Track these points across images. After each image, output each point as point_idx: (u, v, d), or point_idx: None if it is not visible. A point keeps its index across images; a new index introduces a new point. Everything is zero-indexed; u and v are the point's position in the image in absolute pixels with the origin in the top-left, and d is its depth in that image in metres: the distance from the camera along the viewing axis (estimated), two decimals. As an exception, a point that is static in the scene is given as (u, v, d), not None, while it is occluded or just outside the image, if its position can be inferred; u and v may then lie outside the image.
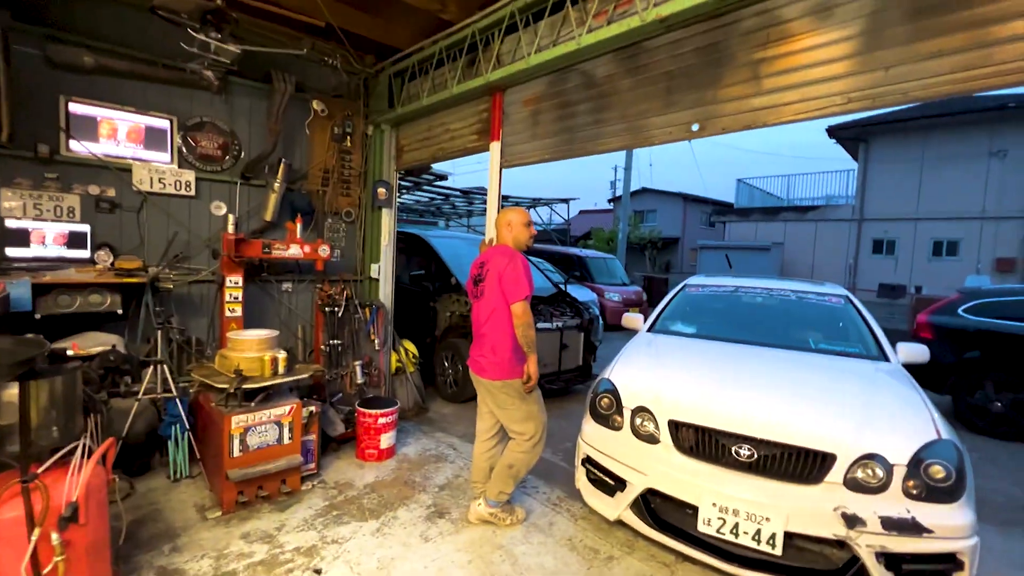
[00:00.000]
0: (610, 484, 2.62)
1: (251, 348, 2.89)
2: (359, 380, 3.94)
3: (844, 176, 17.20)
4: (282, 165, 3.76)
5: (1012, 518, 3.01)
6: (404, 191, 11.85)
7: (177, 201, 3.60)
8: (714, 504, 2.21)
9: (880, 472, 2.09)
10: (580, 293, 9.47)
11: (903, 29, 1.77)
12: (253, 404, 2.76)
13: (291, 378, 2.89)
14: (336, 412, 3.59)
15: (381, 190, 4.34)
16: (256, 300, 3.87)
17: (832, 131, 16.30)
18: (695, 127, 2.26)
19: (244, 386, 2.70)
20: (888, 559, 2.00)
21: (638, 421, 2.60)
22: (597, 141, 2.66)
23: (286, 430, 2.90)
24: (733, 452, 2.29)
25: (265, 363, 2.84)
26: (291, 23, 3.68)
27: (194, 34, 2.92)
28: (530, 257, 7.93)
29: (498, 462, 2.67)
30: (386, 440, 3.49)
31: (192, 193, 3.63)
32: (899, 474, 2.07)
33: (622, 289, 11.28)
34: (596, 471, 2.70)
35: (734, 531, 2.17)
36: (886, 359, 3.07)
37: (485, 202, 15.16)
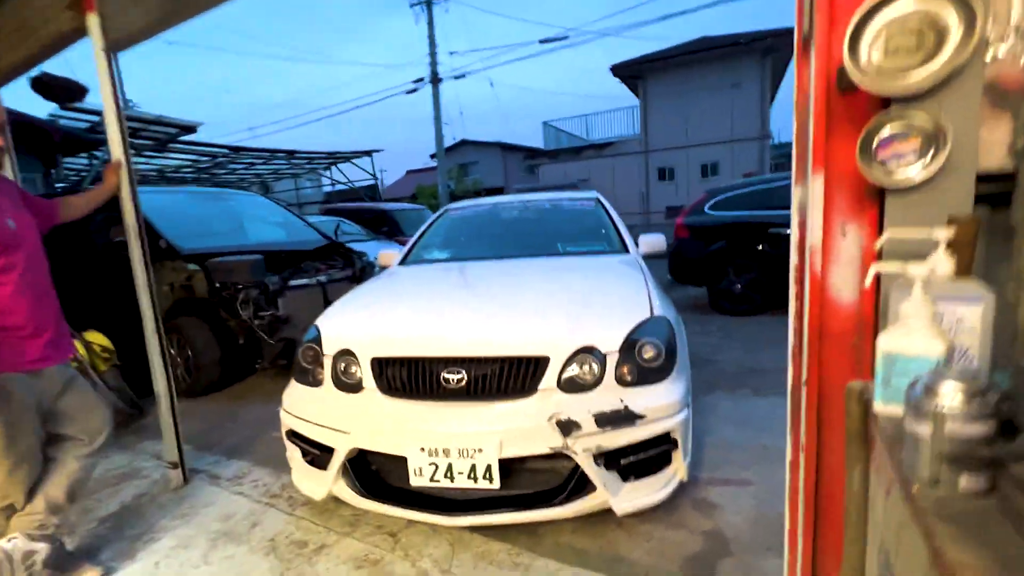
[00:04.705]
0: (318, 455, 2.03)
1: None
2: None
3: (630, 112, 18.89)
4: None
5: (739, 382, 3.24)
6: (158, 155, 9.44)
7: None
8: (422, 449, 1.75)
9: (595, 365, 1.83)
10: (389, 248, 8.66)
11: None
12: None
13: None
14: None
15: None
16: None
17: (615, 70, 17.59)
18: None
19: None
20: (607, 457, 1.77)
21: (340, 367, 2.02)
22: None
23: None
24: (443, 380, 1.85)
25: None
26: None
27: None
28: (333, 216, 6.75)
29: None
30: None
31: None
32: (612, 362, 1.84)
33: (435, 239, 10.73)
34: (303, 444, 2.09)
35: (448, 474, 1.74)
36: (627, 252, 2.99)
37: (286, 163, 13.05)
